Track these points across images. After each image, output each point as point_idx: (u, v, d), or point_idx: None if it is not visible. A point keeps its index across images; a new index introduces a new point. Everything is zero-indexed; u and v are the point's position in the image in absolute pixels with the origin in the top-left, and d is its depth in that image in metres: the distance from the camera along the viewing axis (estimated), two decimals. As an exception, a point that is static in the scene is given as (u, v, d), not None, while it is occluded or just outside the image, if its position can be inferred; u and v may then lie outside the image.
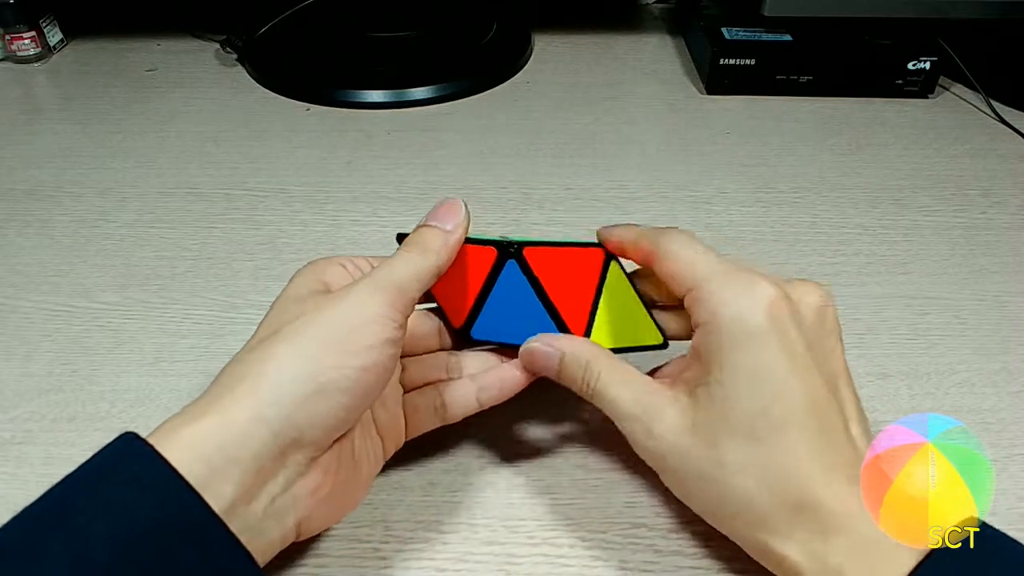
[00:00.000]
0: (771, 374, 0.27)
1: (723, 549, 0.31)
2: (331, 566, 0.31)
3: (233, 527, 0.24)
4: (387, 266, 0.29)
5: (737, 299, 0.28)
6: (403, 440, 0.33)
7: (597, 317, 0.34)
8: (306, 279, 0.30)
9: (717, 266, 0.30)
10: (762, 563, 0.29)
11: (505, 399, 0.33)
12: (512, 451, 0.36)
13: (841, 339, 0.31)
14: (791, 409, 0.27)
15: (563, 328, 0.34)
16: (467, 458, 0.35)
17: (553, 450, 0.36)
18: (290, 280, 0.31)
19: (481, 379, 0.33)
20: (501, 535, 0.32)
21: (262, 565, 0.26)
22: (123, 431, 0.25)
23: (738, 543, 0.30)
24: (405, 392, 0.33)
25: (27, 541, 0.23)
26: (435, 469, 0.35)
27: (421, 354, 0.34)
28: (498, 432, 0.36)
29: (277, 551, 0.27)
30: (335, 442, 0.28)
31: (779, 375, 0.27)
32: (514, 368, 0.33)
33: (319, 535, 0.32)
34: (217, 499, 0.24)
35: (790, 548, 0.27)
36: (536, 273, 0.33)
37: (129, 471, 0.24)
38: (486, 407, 0.33)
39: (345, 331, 0.27)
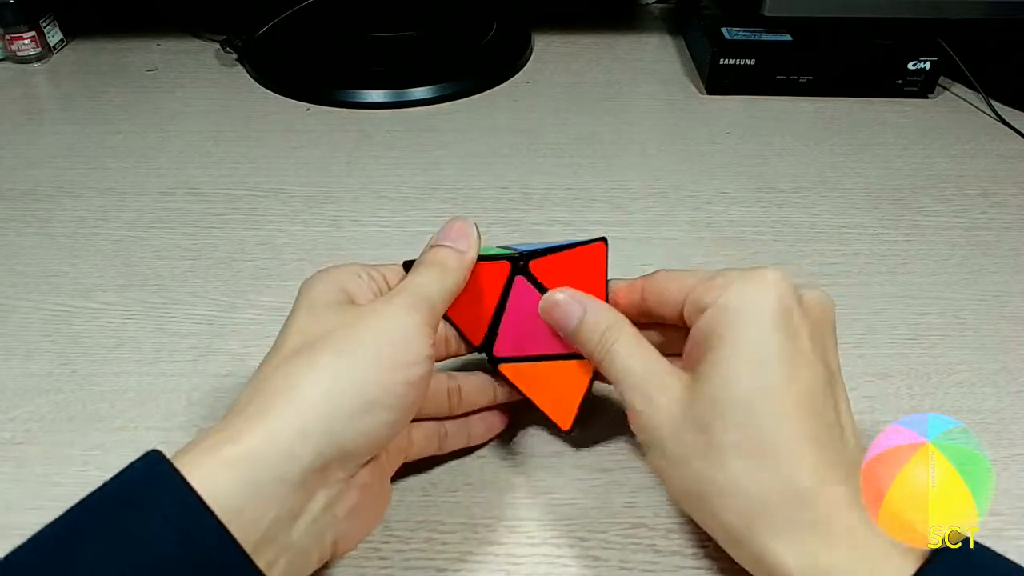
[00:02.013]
0: (775, 354, 0.27)
1: (722, 549, 0.31)
2: (331, 566, 0.31)
3: (272, 549, 0.24)
4: (414, 283, 0.29)
5: (746, 282, 0.28)
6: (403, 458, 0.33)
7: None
8: (327, 287, 0.29)
9: (716, 270, 0.30)
10: (747, 566, 0.27)
11: (489, 438, 0.36)
12: (512, 451, 0.36)
13: (837, 341, 0.30)
14: (790, 394, 0.27)
15: None
16: (467, 458, 0.35)
17: (553, 450, 0.36)
18: (306, 286, 0.30)
19: (472, 423, 0.35)
20: (501, 535, 0.32)
21: None
22: (151, 448, 0.24)
23: (721, 543, 0.28)
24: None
25: (33, 570, 0.21)
26: (435, 469, 0.35)
27: (440, 360, 0.34)
28: (498, 432, 0.36)
29: (313, 571, 0.27)
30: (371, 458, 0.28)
31: (783, 356, 0.27)
32: (499, 416, 0.36)
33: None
34: (256, 522, 0.23)
35: (779, 545, 0.25)
36: (545, 284, 0.33)
37: (151, 499, 0.23)
38: (473, 444, 0.35)
39: (390, 346, 0.27)
